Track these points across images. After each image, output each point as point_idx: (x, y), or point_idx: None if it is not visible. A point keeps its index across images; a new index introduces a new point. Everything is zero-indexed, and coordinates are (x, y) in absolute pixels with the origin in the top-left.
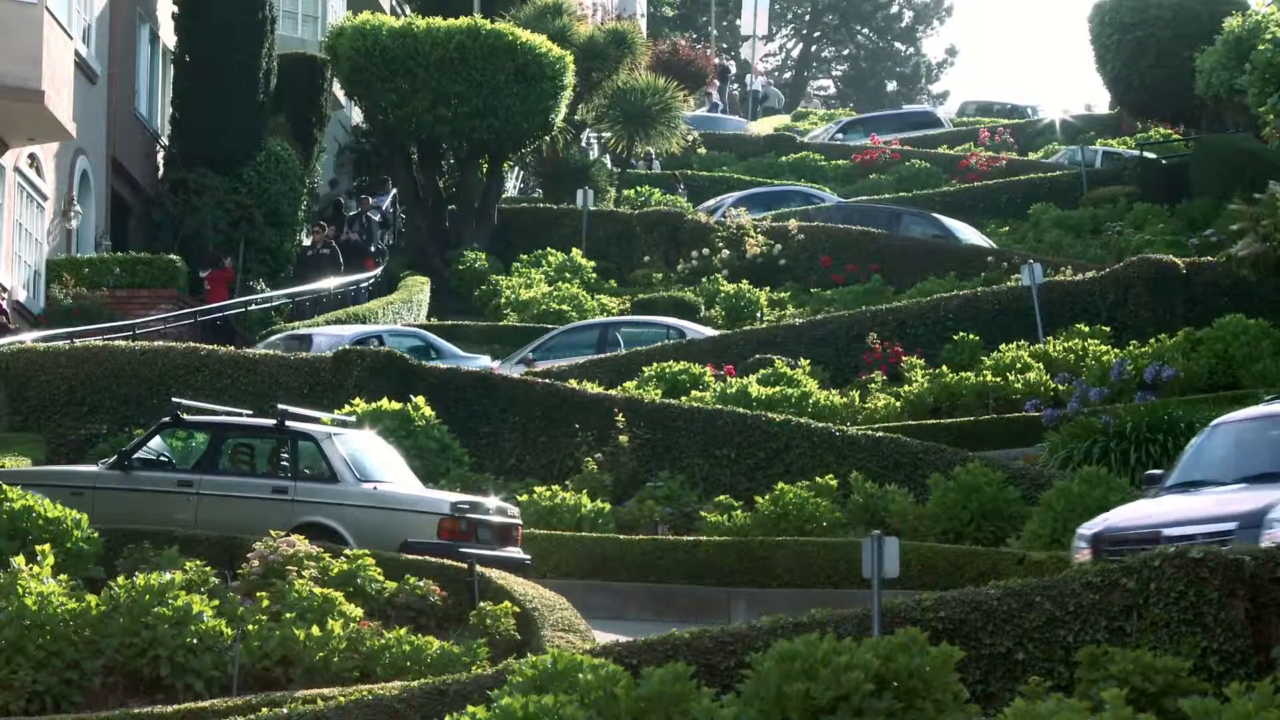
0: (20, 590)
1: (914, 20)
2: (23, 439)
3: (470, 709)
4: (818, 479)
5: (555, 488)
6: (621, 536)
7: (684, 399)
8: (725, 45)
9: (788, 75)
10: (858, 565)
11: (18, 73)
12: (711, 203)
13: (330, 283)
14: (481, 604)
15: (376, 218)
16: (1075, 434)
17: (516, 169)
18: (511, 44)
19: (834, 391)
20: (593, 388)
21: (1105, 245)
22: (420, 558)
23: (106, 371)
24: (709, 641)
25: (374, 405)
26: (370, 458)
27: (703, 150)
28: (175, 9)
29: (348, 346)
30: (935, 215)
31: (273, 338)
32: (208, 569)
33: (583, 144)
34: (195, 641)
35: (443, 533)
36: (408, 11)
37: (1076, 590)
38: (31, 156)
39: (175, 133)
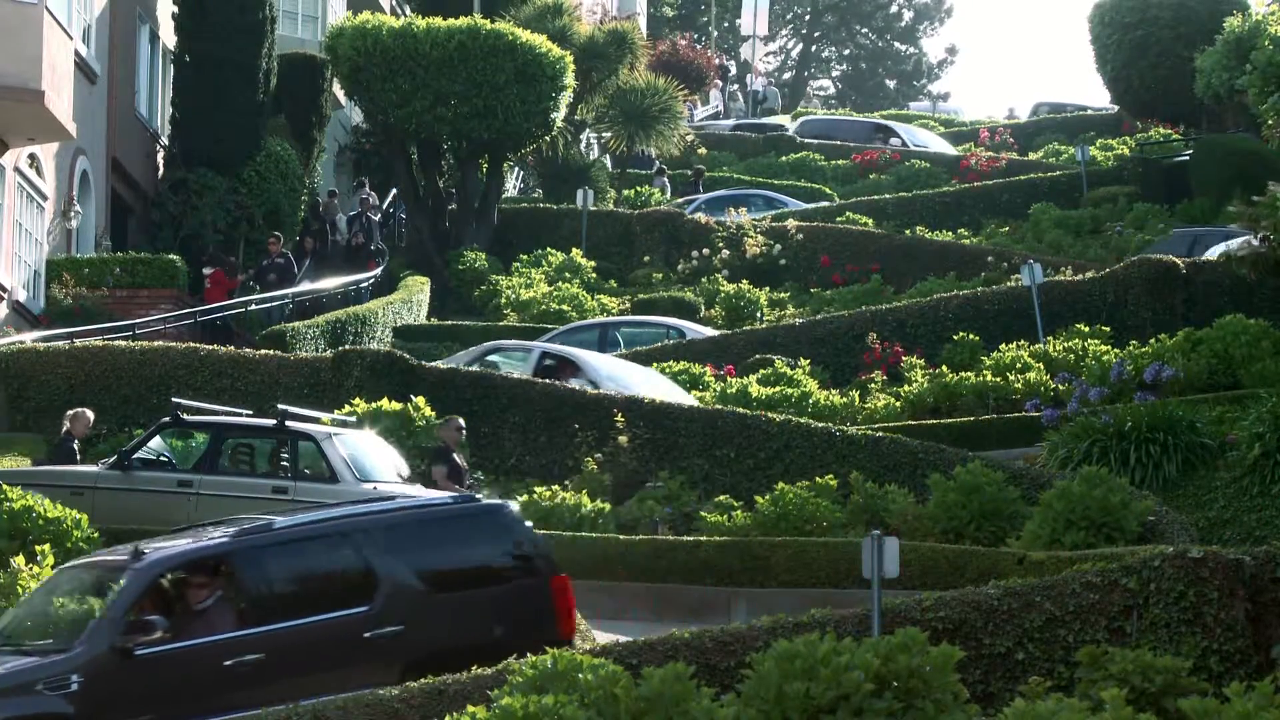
0: (20, 590)
1: (914, 20)
2: (23, 439)
3: (470, 709)
4: (818, 479)
5: (555, 488)
6: (621, 536)
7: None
8: (725, 45)
9: (788, 75)
10: (858, 565)
11: (18, 73)
12: (679, 201)
13: (331, 283)
14: None
15: (377, 218)
16: (1075, 434)
17: (516, 169)
18: (511, 44)
19: (834, 391)
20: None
21: (1105, 245)
22: None
23: (106, 371)
24: (709, 641)
25: (374, 405)
26: (370, 458)
27: (703, 150)
28: (175, 9)
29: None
30: None
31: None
32: None
33: (583, 144)
34: None
35: None
36: (408, 11)
37: (1076, 590)
38: (31, 156)
39: (175, 133)
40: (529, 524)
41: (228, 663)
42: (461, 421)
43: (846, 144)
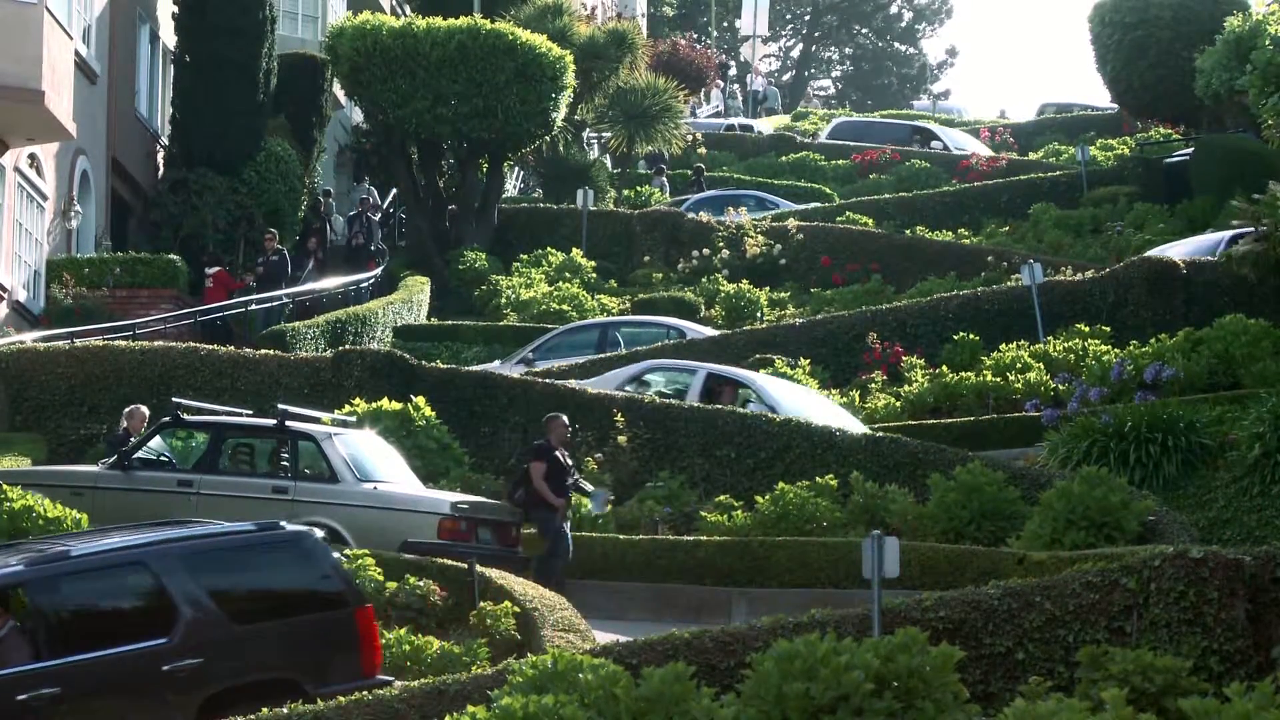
0: None
1: (914, 20)
2: (23, 439)
3: (470, 709)
4: (818, 479)
5: None
6: (621, 536)
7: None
8: (725, 45)
9: (788, 76)
10: (858, 565)
11: (18, 73)
12: (671, 200)
13: (331, 283)
14: (482, 604)
15: (377, 217)
16: (1075, 434)
17: (516, 169)
18: (511, 44)
19: (834, 391)
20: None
21: (1105, 245)
22: (420, 558)
23: (106, 371)
24: (709, 641)
25: (374, 405)
26: (370, 458)
27: (703, 150)
28: (175, 9)
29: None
30: None
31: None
32: None
33: (584, 144)
34: None
35: (443, 533)
36: (408, 11)
37: (1077, 590)
38: (31, 156)
39: (175, 133)
40: (335, 554)
41: (22, 696)
42: (565, 419)
43: (883, 147)
